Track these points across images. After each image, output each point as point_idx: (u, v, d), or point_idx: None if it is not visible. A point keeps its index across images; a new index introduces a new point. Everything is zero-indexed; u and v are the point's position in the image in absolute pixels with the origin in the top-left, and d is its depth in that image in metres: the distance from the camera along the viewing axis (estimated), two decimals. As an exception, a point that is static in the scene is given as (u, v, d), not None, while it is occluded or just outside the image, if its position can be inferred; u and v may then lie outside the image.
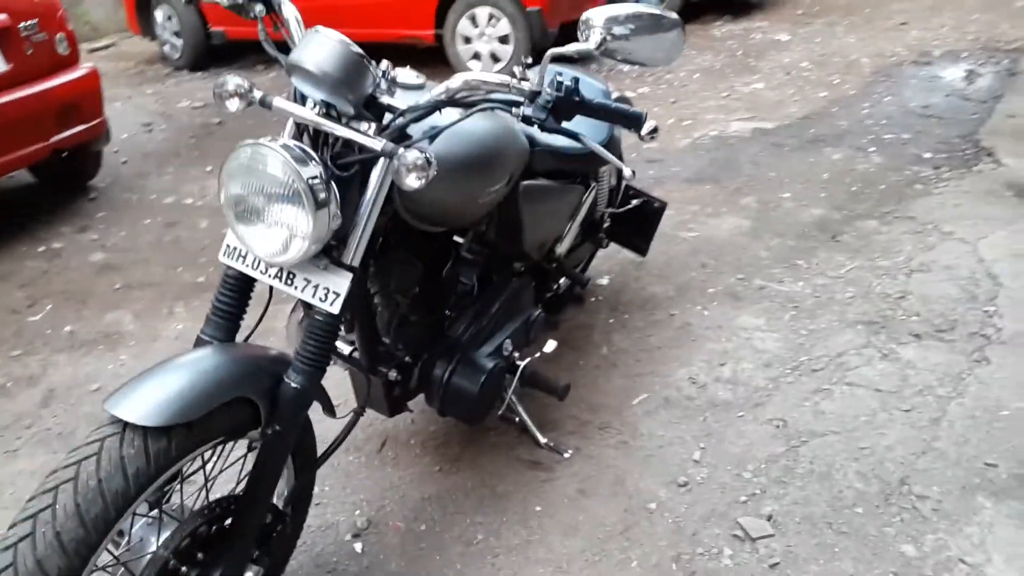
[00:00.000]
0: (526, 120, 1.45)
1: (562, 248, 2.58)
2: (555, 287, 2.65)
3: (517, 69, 1.48)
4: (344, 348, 1.96)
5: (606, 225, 2.86)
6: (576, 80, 1.45)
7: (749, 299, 3.06)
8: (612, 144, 2.52)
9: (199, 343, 1.60)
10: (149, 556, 1.45)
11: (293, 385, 1.52)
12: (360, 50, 1.44)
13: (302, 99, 1.59)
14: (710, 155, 4.50)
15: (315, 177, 1.40)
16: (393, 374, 1.98)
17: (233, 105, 1.54)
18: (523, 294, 2.34)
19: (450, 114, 1.54)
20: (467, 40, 6.05)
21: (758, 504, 2.10)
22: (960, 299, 2.90)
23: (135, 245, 3.85)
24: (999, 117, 4.66)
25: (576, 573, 1.95)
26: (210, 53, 7.10)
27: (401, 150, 1.40)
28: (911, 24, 7.00)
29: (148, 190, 4.52)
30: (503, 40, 5.97)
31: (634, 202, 2.82)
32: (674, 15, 1.45)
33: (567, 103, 1.43)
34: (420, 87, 1.60)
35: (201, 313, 3.22)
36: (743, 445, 2.31)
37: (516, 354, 2.20)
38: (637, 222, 2.84)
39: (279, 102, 1.51)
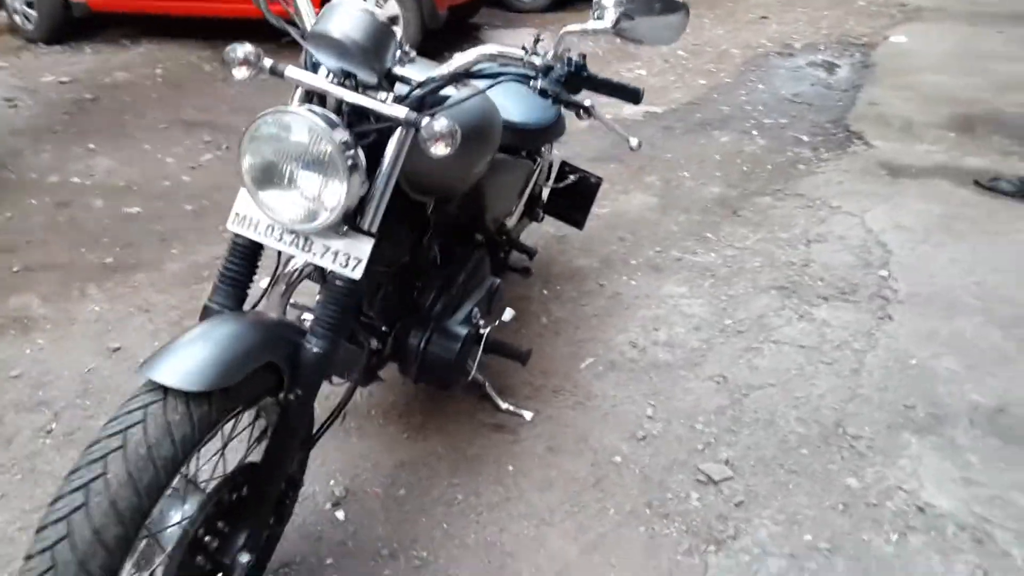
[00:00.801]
0: (542, 93, 1.52)
1: (512, 220, 2.66)
2: (502, 258, 2.72)
3: (528, 44, 1.54)
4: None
5: (544, 200, 2.96)
6: (584, 56, 1.53)
7: (669, 269, 3.26)
8: (561, 123, 2.62)
9: (207, 312, 1.58)
10: (176, 526, 1.43)
11: (315, 350, 1.53)
12: (386, 20, 1.47)
13: (312, 68, 1.59)
14: (609, 136, 4.68)
15: (345, 142, 1.42)
16: (373, 343, 2.00)
17: (241, 73, 1.52)
18: (483, 265, 2.40)
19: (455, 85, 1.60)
20: (355, 19, 5.96)
21: (714, 451, 2.27)
22: (857, 265, 3.22)
23: (26, 227, 3.59)
24: (862, 104, 5.12)
25: (559, 524, 2.05)
26: (69, 24, 6.62)
27: (426, 119, 1.44)
28: (771, 18, 7.53)
29: (26, 169, 4.20)
30: (392, 21, 5.92)
31: (571, 177, 2.93)
32: None
33: (577, 77, 1.51)
34: (412, 60, 1.63)
35: (117, 295, 3.11)
36: (690, 400, 2.48)
37: (482, 322, 2.26)
38: (573, 196, 2.96)
39: (293, 71, 1.51)
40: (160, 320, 2.88)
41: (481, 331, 2.24)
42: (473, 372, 2.28)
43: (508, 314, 2.41)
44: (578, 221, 3.03)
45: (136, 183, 4.03)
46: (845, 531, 2.00)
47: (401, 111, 1.47)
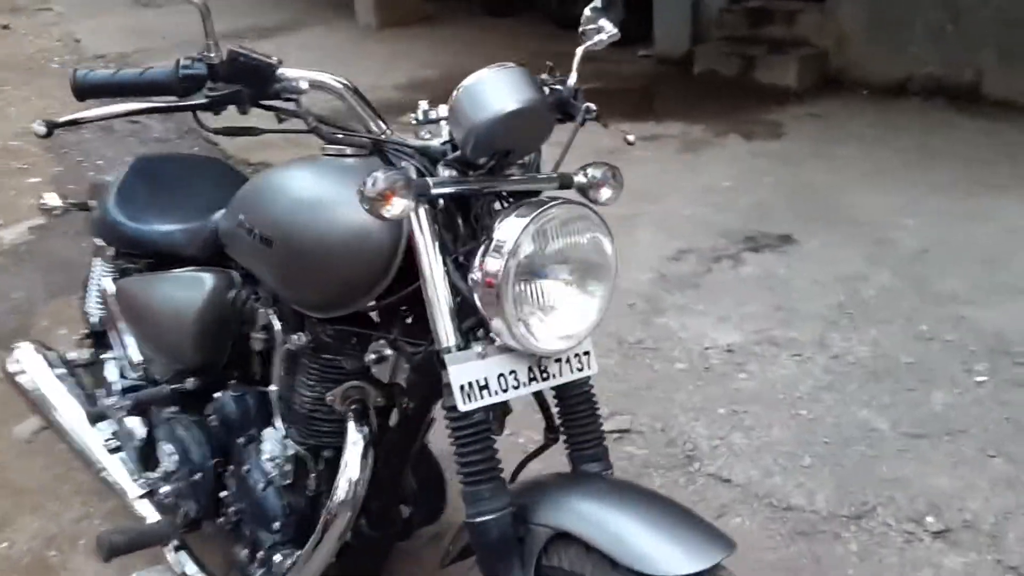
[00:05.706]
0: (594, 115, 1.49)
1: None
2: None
3: (545, 76, 1.48)
4: None
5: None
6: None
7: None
8: None
9: (486, 530, 1.19)
10: None
11: (604, 472, 1.34)
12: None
13: (427, 171, 1.25)
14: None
15: None
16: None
17: (399, 209, 1.14)
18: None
19: None
20: None
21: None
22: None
23: None
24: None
25: None
26: None
27: (580, 175, 1.35)
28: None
29: None
30: None
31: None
32: None
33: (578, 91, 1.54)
34: None
35: None
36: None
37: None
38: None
39: (438, 183, 1.20)
40: None
41: None
42: None
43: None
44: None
45: None
46: (722, 393, 2.53)
47: (553, 175, 1.33)
